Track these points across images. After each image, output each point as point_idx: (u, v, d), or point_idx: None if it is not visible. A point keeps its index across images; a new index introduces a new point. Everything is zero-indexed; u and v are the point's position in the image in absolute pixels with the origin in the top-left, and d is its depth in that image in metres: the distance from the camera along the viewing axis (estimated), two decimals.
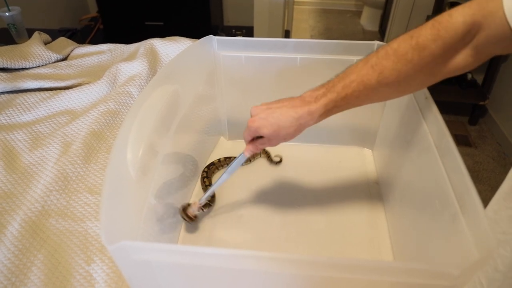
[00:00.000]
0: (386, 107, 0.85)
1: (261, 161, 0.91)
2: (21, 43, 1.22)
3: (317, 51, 0.82)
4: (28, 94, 0.98)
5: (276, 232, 0.74)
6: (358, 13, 3.52)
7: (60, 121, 0.91)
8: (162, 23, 2.16)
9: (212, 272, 0.44)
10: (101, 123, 0.88)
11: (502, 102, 2.03)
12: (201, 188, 0.83)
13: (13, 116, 0.91)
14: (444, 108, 1.86)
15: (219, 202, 0.79)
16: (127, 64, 1.03)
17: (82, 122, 0.88)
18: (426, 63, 0.49)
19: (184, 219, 0.70)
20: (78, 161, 0.78)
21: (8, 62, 1.05)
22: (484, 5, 0.44)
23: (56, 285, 0.58)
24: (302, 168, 0.89)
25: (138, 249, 0.40)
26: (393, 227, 0.72)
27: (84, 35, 2.06)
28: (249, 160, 0.90)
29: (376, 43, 0.80)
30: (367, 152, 0.94)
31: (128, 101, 0.95)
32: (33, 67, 1.10)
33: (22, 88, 0.99)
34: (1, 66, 1.04)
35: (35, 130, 0.87)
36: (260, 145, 0.62)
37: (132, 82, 0.98)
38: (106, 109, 0.90)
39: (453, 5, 1.93)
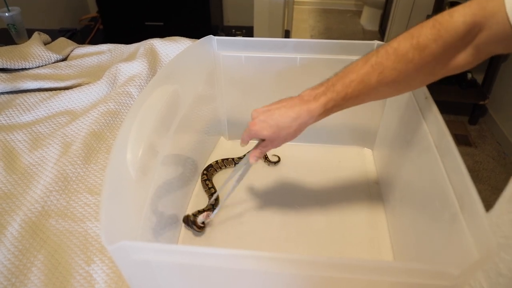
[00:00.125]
0: (386, 107, 0.85)
1: (261, 162, 0.91)
2: (21, 43, 1.22)
3: (317, 51, 0.82)
4: (28, 95, 0.98)
5: (276, 232, 0.74)
6: (358, 13, 3.52)
7: (60, 121, 0.91)
8: (162, 23, 2.16)
9: (212, 272, 0.44)
10: (101, 123, 0.88)
11: (502, 101, 2.02)
12: (201, 188, 0.83)
13: (13, 116, 0.91)
14: (444, 108, 1.86)
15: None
16: (127, 64, 1.03)
17: (82, 122, 0.88)
18: (426, 62, 0.49)
19: (195, 229, 0.71)
20: (78, 162, 0.78)
21: (8, 63, 1.05)
22: (484, 4, 0.44)
23: (56, 285, 0.58)
24: (302, 168, 0.89)
25: (138, 249, 0.40)
26: (393, 227, 0.72)
27: (84, 35, 2.07)
28: None
29: (376, 42, 0.80)
30: (367, 152, 0.94)
31: (128, 101, 0.95)
32: (33, 68, 1.10)
33: (22, 88, 0.99)
34: (1, 67, 1.04)
35: (35, 131, 0.87)
36: (263, 148, 0.61)
37: (132, 82, 0.98)
38: (106, 110, 0.90)
39: (453, 4, 1.93)
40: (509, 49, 0.45)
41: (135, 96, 0.96)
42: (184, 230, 0.73)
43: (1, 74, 1.03)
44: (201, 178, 0.84)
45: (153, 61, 1.07)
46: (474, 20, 0.44)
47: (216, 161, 0.88)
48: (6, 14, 1.23)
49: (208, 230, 0.73)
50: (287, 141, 0.59)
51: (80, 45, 1.27)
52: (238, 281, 0.46)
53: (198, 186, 0.84)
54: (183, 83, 0.75)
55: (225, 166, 0.89)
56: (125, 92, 0.96)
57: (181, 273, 0.46)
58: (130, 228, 0.51)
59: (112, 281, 0.58)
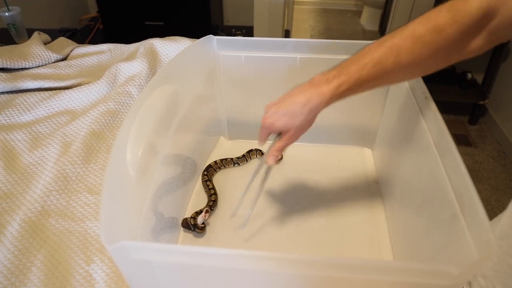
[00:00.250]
0: (386, 106, 0.85)
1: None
2: (21, 43, 1.22)
3: (317, 51, 0.81)
4: (27, 94, 0.98)
5: (276, 232, 0.74)
6: (358, 13, 3.52)
7: (60, 121, 0.91)
8: (162, 23, 2.16)
9: (212, 272, 0.44)
10: (101, 123, 0.88)
11: (502, 101, 2.03)
12: (200, 188, 0.83)
13: (12, 116, 0.91)
14: (444, 108, 1.86)
15: (219, 202, 0.79)
16: (127, 64, 1.03)
17: (82, 122, 0.88)
18: (442, 46, 0.49)
19: (197, 231, 0.71)
20: (78, 161, 0.78)
21: (8, 62, 1.05)
22: None
23: (56, 285, 0.58)
24: (302, 168, 0.89)
25: (137, 249, 0.40)
26: (393, 227, 0.72)
27: (84, 35, 2.06)
28: (245, 160, 0.90)
29: None
30: (367, 152, 0.94)
31: (128, 101, 0.95)
32: (33, 67, 1.10)
33: (21, 88, 0.99)
34: (1, 66, 1.04)
35: (35, 130, 0.87)
36: (281, 143, 0.59)
37: (132, 82, 0.98)
38: (106, 109, 0.90)
39: None
40: None
41: (135, 96, 0.96)
42: (183, 230, 0.73)
43: (1, 73, 1.03)
44: (202, 179, 0.84)
45: (153, 60, 1.07)
46: (489, 5, 0.45)
47: (215, 162, 0.88)
48: (6, 13, 1.23)
49: (208, 230, 0.73)
50: (304, 131, 0.58)
51: (80, 44, 1.27)
52: (238, 281, 0.46)
53: (198, 186, 0.84)
54: (183, 83, 0.75)
55: (224, 166, 0.89)
56: (125, 92, 0.96)
57: (181, 273, 0.46)
58: (130, 228, 0.51)
59: (112, 281, 0.58)
